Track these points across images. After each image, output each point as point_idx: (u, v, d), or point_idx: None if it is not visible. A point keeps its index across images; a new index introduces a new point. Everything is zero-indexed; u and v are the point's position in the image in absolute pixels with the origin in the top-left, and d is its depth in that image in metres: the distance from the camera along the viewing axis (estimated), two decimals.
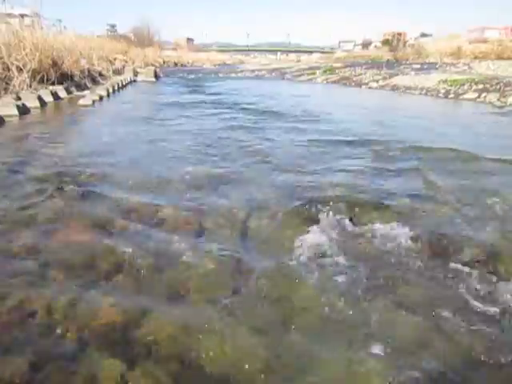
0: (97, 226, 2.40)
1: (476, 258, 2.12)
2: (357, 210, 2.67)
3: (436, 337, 1.57)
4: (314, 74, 21.44)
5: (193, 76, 22.23)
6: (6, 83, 7.96)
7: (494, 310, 1.72)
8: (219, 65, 45.70)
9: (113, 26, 52.81)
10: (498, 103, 9.65)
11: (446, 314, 1.69)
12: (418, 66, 19.81)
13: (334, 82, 18.23)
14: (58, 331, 1.52)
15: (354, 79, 17.58)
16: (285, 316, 1.67)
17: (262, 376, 1.37)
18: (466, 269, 2.02)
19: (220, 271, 1.97)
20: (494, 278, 1.93)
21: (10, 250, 2.08)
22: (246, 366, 1.40)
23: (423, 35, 49.56)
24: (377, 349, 1.48)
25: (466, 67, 17.06)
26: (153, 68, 19.00)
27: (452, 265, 2.06)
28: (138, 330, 1.54)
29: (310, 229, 2.39)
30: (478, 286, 1.88)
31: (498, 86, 10.96)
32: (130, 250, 2.11)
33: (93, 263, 2.00)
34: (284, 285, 1.87)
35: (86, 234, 2.29)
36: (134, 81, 16.21)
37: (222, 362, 1.42)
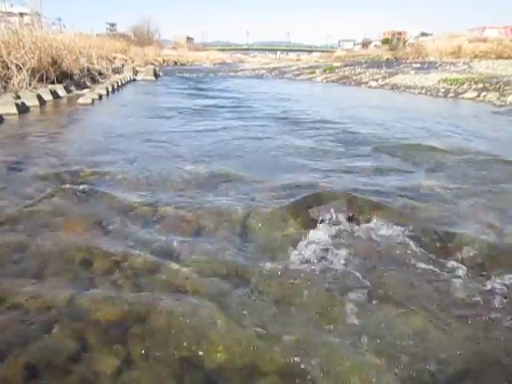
0: (96, 225, 2.40)
1: (476, 258, 2.12)
2: (356, 209, 2.67)
3: (435, 336, 1.57)
4: (313, 73, 21.44)
5: (193, 75, 22.21)
6: (6, 82, 7.96)
7: (492, 309, 1.72)
8: (219, 64, 45.70)
9: (112, 25, 52.91)
10: (498, 102, 9.65)
11: (446, 313, 1.69)
12: (418, 65, 19.78)
13: (334, 81, 18.24)
14: (57, 330, 1.51)
15: (354, 78, 17.59)
16: (285, 315, 1.67)
17: (262, 374, 1.37)
18: (466, 268, 2.02)
19: (219, 270, 1.97)
20: (494, 278, 1.93)
21: (8, 249, 2.07)
22: (247, 365, 1.40)
23: (423, 34, 49.44)
24: (377, 347, 1.48)
25: (465, 66, 17.04)
26: (152, 67, 18.97)
27: (452, 264, 2.06)
28: (137, 328, 1.54)
29: (309, 228, 2.39)
30: (478, 286, 1.87)
31: (498, 85, 10.97)
32: (129, 248, 2.11)
33: (92, 262, 2.00)
34: (283, 284, 1.87)
35: (85, 233, 2.29)
36: (134, 80, 16.21)
37: (221, 361, 1.42)
